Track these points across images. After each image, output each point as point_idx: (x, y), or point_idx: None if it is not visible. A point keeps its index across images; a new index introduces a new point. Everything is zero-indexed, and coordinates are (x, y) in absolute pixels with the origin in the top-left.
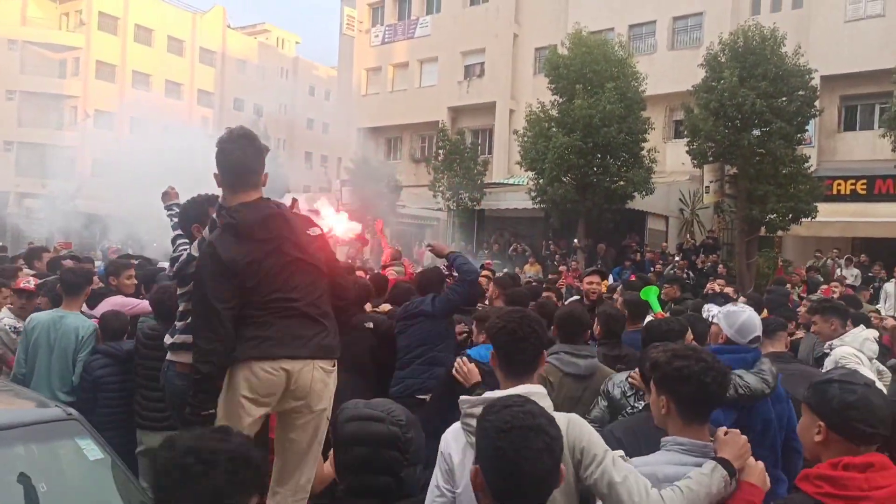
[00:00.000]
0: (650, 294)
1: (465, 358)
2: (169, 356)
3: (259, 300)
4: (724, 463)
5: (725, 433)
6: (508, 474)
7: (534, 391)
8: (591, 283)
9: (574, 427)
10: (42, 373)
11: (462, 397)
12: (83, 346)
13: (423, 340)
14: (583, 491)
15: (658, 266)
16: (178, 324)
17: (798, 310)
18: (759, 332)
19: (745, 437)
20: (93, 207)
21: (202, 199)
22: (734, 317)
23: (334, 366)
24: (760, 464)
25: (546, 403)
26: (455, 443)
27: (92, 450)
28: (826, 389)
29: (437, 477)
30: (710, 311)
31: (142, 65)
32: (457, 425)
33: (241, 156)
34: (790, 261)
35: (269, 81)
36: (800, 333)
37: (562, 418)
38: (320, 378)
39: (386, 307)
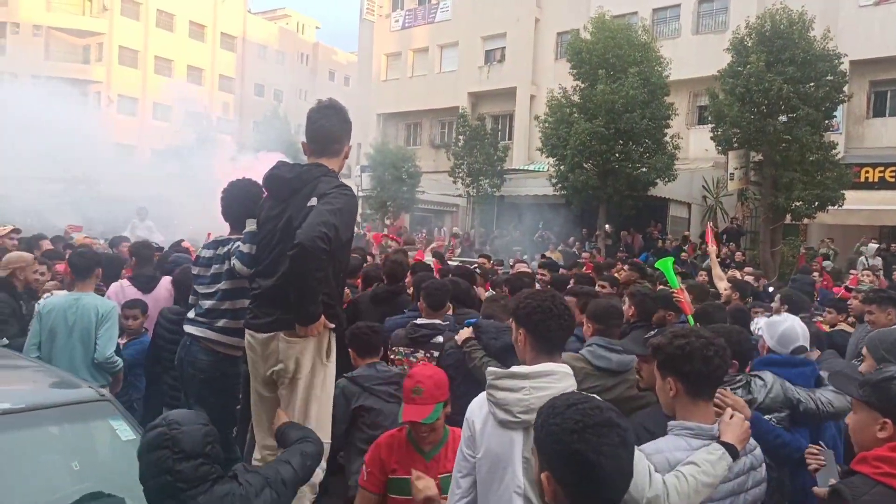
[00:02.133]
0: (667, 265)
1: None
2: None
3: (258, 267)
4: (728, 447)
5: (731, 417)
6: (589, 477)
7: (559, 370)
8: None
9: None
10: (61, 356)
11: (489, 369)
12: (104, 321)
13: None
14: None
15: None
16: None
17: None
18: (802, 341)
19: (747, 422)
20: (117, 192)
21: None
22: (775, 327)
23: (305, 335)
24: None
25: (569, 382)
26: (479, 411)
27: (124, 430)
28: (889, 387)
29: (462, 443)
30: (758, 324)
31: (164, 50)
32: (483, 395)
33: (324, 124)
34: (813, 248)
35: (289, 67)
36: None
37: None
38: (284, 348)
39: None
